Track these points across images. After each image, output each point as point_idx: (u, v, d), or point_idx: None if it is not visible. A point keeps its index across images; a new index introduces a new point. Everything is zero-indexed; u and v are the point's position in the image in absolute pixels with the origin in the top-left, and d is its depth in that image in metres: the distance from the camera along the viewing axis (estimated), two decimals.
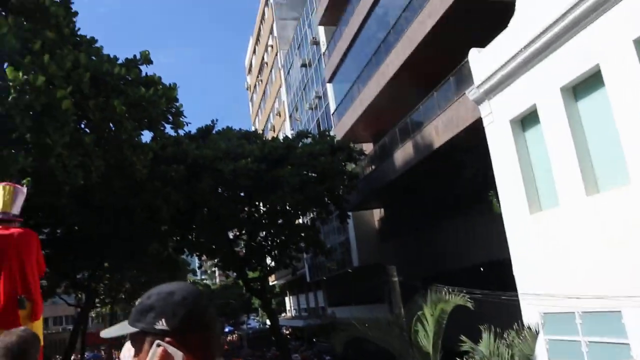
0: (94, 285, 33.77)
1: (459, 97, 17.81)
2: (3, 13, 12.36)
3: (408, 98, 23.89)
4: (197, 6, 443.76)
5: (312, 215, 28.65)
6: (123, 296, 51.83)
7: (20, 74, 10.55)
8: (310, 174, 23.05)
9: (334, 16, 32.88)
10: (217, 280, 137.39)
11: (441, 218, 23.85)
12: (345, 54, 30.14)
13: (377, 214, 33.40)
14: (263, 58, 60.02)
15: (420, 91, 22.04)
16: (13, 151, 10.86)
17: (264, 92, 61.53)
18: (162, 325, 1.53)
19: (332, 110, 34.89)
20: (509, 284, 13.40)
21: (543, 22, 11.46)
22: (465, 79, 17.38)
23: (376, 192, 27.24)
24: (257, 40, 63.21)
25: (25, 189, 5.52)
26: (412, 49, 20.71)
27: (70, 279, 29.10)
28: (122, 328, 1.64)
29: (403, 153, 23.01)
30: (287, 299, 65.55)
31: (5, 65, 11.75)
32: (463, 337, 11.29)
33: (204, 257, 28.87)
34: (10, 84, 10.42)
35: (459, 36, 18.36)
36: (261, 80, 62.27)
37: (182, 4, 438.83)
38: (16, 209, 5.38)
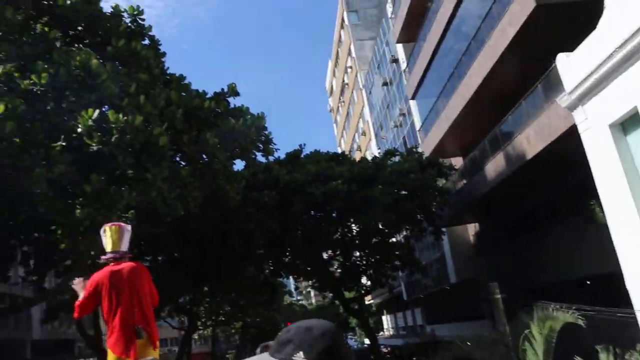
0: (195, 308, 34.92)
1: (550, 104, 17.28)
2: (101, 61, 13.11)
3: (495, 109, 23.45)
4: (275, 34, 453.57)
5: (405, 233, 28.46)
6: (223, 318, 53.32)
7: (121, 115, 11.18)
8: (401, 192, 22.94)
9: (411, 33, 32.80)
10: (313, 300, 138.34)
11: (539, 230, 23.12)
12: (426, 70, 29.95)
13: (472, 228, 32.70)
14: (343, 79, 60.54)
15: (507, 101, 21.59)
16: (121, 188, 11.47)
17: (347, 113, 61.96)
18: (300, 357, 1.64)
19: (417, 127, 34.67)
20: (622, 299, 12.59)
21: (638, 18, 10.93)
22: (554, 85, 16.87)
23: (469, 206, 26.74)
24: (336, 62, 63.88)
25: (129, 227, 5.88)
26: (496, 59, 20.32)
27: (173, 303, 30.17)
28: (262, 358, 1.75)
29: (494, 165, 22.52)
30: (384, 317, 65.00)
31: (105, 108, 12.51)
32: (578, 358, 10.76)
33: (300, 279, 29.12)
34: (113, 125, 11.05)
35: (543, 41, 17.91)
36: (343, 102, 62.77)
37: (259, 33, 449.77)
38: (124, 246, 5.73)
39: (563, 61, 14.22)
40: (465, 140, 28.60)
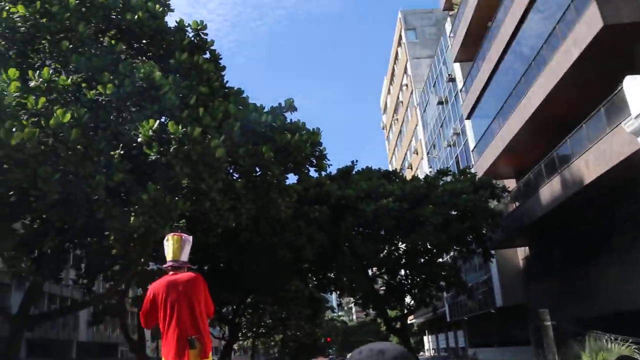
0: (237, 319, 35.11)
1: (613, 128, 16.81)
2: (164, 73, 13.40)
3: (553, 131, 22.98)
4: (332, 51, 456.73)
5: (452, 254, 28.07)
6: (263, 330, 53.52)
7: (180, 127, 11.37)
8: (452, 213, 22.66)
9: (469, 52, 32.57)
10: (354, 317, 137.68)
11: (594, 257, 22.48)
12: (483, 90, 29.62)
13: (521, 252, 32.05)
14: (398, 97, 60.45)
15: (566, 124, 21.14)
16: (176, 197, 11.67)
17: (400, 131, 61.76)
18: None
19: (471, 147, 34.28)
20: None
21: None
22: (618, 108, 16.43)
23: (521, 230, 26.22)
24: (392, 80, 63.87)
25: (191, 238, 5.96)
26: (557, 80, 19.94)
27: (216, 312, 30.39)
28: None
29: (550, 189, 22.04)
30: (425, 337, 64.20)
31: (165, 119, 12.77)
32: None
33: (344, 294, 28.94)
34: (172, 136, 11.25)
35: (608, 63, 17.49)
36: (397, 119, 62.62)
37: (316, 49, 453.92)
38: (184, 256, 5.81)
39: (630, 84, 13.83)
40: (520, 163, 28.12)
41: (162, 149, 11.27)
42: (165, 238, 5.85)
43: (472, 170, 27.64)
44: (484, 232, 23.91)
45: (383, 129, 74.40)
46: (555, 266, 26.90)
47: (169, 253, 5.75)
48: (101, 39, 15.23)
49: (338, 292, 29.72)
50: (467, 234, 23.27)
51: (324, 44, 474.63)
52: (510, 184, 29.19)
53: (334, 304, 66.21)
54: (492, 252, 25.63)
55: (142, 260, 17.90)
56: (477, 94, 30.31)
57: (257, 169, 15.22)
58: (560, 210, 21.77)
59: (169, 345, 5.39)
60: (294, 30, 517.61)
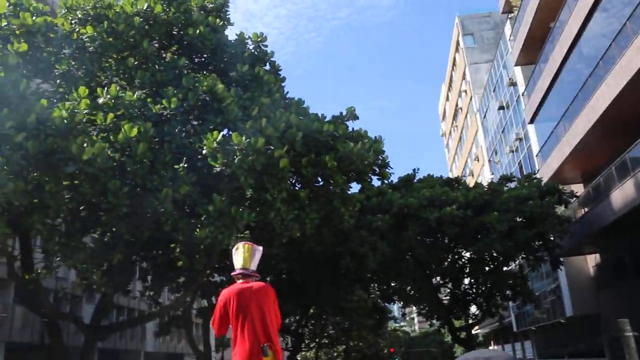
0: (300, 329, 35.14)
1: None
2: (225, 86, 13.57)
3: (623, 132, 22.16)
4: (386, 59, 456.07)
5: (519, 262, 27.36)
6: (326, 341, 53.37)
7: (243, 138, 11.46)
8: (518, 219, 22.04)
9: (530, 55, 31.87)
10: (417, 327, 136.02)
11: None
12: (546, 92, 28.85)
13: (591, 259, 30.92)
14: (457, 104, 59.63)
15: (637, 124, 20.34)
16: (240, 209, 11.76)
17: (459, 138, 60.87)
18: None
19: (535, 152, 33.43)
20: None
21: None
22: None
23: (590, 236, 25.28)
24: (450, 86, 63.11)
25: (261, 248, 5.96)
26: (628, 79, 19.18)
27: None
28: None
29: (622, 193, 21.19)
30: (491, 348, 62.73)
31: (227, 131, 12.92)
32: None
33: (409, 305, 28.54)
34: (236, 147, 11.35)
35: None
36: (456, 126, 61.77)
37: (372, 59, 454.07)
38: (254, 265, 5.80)
39: None
40: (587, 167, 27.23)
41: (226, 160, 11.37)
42: (235, 247, 5.88)
43: (537, 176, 26.82)
44: (551, 238, 23.14)
45: (442, 136, 73.51)
46: (629, 273, 25.86)
47: (239, 261, 5.76)
48: (164, 55, 15.57)
49: (402, 302, 29.35)
50: (534, 241, 22.57)
51: (379, 53, 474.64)
52: (577, 189, 28.24)
53: (396, 314, 65.65)
54: (561, 259, 24.76)
55: (207, 272, 18.16)
56: (540, 97, 29.54)
57: (320, 179, 15.22)
58: (634, 215, 20.90)
59: (242, 352, 5.39)
60: (349, 40, 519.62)
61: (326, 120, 14.85)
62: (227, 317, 5.56)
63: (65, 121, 10.56)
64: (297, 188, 14.19)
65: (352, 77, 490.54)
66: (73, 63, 14.17)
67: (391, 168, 15.63)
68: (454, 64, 59.06)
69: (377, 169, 15.78)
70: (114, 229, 12.40)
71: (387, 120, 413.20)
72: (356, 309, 37.39)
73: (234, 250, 5.85)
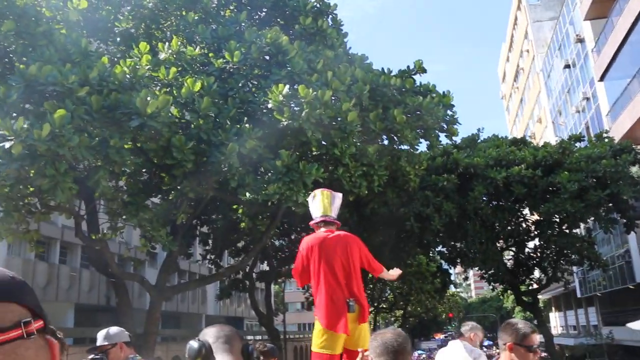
0: None
1: None
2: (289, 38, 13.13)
3: None
4: (444, 19, 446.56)
5: (587, 226, 26.26)
6: (384, 306, 53.22)
7: (310, 90, 11.01)
8: (589, 180, 20.96)
9: (601, 8, 30.18)
10: (473, 293, 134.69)
11: None
12: (619, 48, 27.30)
13: None
14: (518, 64, 57.59)
15: None
16: (308, 164, 11.37)
17: (521, 100, 58.90)
18: None
19: (603, 112, 31.91)
20: None
21: None
22: None
23: None
24: (511, 46, 60.97)
25: (340, 194, 5.49)
26: None
27: None
28: None
29: None
30: (551, 314, 61.44)
31: (294, 85, 12.47)
32: None
33: (474, 268, 27.67)
34: (302, 100, 10.90)
35: None
36: (517, 88, 59.76)
37: (426, 23, 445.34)
38: (335, 212, 5.33)
39: None
40: None
41: (293, 114, 10.96)
42: (312, 195, 5.42)
43: (609, 135, 25.48)
44: (626, 199, 21.95)
45: (502, 98, 71.28)
46: None
47: (318, 208, 5.29)
48: (222, 13, 15.21)
49: (464, 266, 28.60)
50: (607, 203, 21.45)
51: (435, 16, 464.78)
52: None
53: (453, 278, 64.80)
54: (637, 222, 23.52)
55: (270, 234, 17.98)
56: (612, 52, 28.00)
57: (385, 137, 14.70)
58: None
59: (326, 307, 4.95)
60: (404, 4, 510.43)
61: (392, 74, 14.27)
62: (309, 267, 5.09)
63: (127, 76, 10.34)
64: (365, 144, 13.63)
65: (408, 42, 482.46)
66: (132, 21, 13.96)
67: (459, 124, 14.93)
68: (515, 22, 56.86)
69: (444, 126, 15.12)
70: (178, 187, 12.21)
71: (445, 84, 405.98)
72: (416, 273, 36.93)
73: (310, 198, 5.36)
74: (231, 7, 15.54)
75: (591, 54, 33.02)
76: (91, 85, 9.83)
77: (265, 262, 27.49)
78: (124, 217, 12.64)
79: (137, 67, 10.84)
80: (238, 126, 11.16)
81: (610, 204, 22.02)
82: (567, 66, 39.56)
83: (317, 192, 5.36)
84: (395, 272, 5.75)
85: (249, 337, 44.73)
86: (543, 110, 48.50)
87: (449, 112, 14.71)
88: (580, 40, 35.95)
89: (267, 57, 12.47)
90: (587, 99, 35.93)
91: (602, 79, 30.47)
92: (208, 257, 24.62)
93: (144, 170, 13.51)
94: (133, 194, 12.69)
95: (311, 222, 5.35)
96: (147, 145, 10.54)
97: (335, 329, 4.89)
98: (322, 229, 5.21)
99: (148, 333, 14.12)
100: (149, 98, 9.55)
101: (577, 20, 36.14)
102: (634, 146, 23.50)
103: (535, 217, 24.92)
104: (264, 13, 15.39)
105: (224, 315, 45.78)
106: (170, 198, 13.66)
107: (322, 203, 5.30)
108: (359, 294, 5.11)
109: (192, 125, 10.66)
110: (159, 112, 9.52)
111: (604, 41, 29.41)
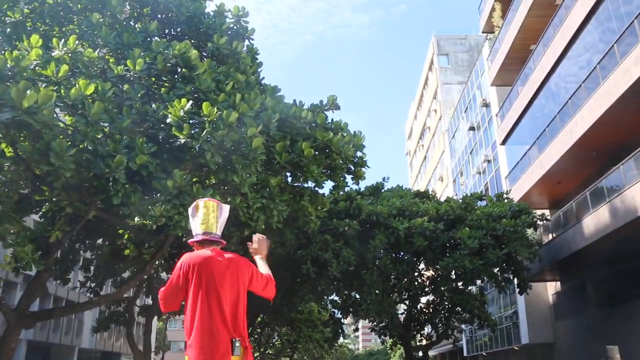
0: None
1: None
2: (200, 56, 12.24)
3: (601, 158, 21.60)
4: (355, 77, 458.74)
5: (480, 284, 26.48)
6: (271, 352, 51.64)
7: (215, 109, 10.13)
8: (489, 238, 21.07)
9: (507, 76, 31.41)
10: (360, 345, 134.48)
11: (636, 297, 20.92)
12: (522, 114, 28.29)
13: (551, 287, 30.37)
14: (425, 123, 59.21)
15: (619, 149, 19.75)
16: (204, 189, 10.36)
17: (425, 157, 60.35)
18: None
19: (503, 175, 32.85)
20: None
21: None
22: None
23: (556, 262, 24.60)
24: (419, 105, 62.72)
25: (227, 207, 4.53)
26: (612, 102, 18.59)
27: None
28: None
29: (595, 219, 20.50)
30: None
31: (199, 103, 11.54)
32: None
33: (368, 319, 27.01)
34: (205, 119, 9.99)
35: None
36: (422, 145, 61.26)
37: (341, 75, 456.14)
38: (220, 229, 4.38)
39: None
40: (556, 192, 26.74)
41: (193, 132, 9.98)
42: (193, 205, 4.41)
43: (508, 196, 26.03)
44: (521, 260, 22.23)
45: (406, 155, 72.97)
46: (589, 304, 25.29)
47: (201, 223, 4.24)
48: (132, 23, 14.19)
49: (357, 316, 27.92)
50: (504, 262, 21.61)
51: (350, 70, 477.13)
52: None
53: (345, 329, 64.20)
54: (531, 284, 23.85)
55: (156, 263, 16.62)
56: (515, 118, 28.98)
57: (290, 173, 13.95)
58: (605, 243, 20.24)
59: (203, 345, 3.93)
60: (322, 55, 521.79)
61: (304, 107, 13.61)
62: (184, 292, 4.02)
63: (8, 66, 9.08)
64: (268, 175, 12.70)
65: (322, 91, 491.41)
66: (29, 13, 12.66)
67: (369, 167, 14.40)
68: (426, 82, 58.66)
69: (352, 168, 14.54)
70: (54, 199, 10.84)
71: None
72: (306, 320, 35.97)
73: (191, 210, 4.35)
74: (144, 11, 14.50)
75: (495, 118, 34.10)
76: None
77: (151, 295, 25.74)
78: None
79: (22, 58, 9.57)
80: (131, 138, 10.05)
81: (504, 265, 22.25)
82: (472, 128, 40.79)
83: (200, 202, 4.35)
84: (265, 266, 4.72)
85: None
86: (445, 169, 49.70)
87: (358, 153, 14.16)
88: (486, 105, 37.20)
89: (173, 70, 11.48)
90: (489, 161, 37.00)
91: (504, 142, 31.43)
92: (88, 284, 22.70)
93: (22, 182, 12.05)
94: (6, 207, 11.17)
95: (191, 240, 4.31)
96: (21, 145, 9.20)
97: None
98: (205, 249, 4.25)
99: None
100: (29, 91, 8.32)
101: (484, 86, 37.46)
102: (530, 210, 24.03)
103: (430, 272, 24.87)
104: (178, 31, 14.44)
105: (99, 350, 42.86)
106: (44, 211, 12.19)
107: (207, 217, 4.33)
108: (245, 333, 4.16)
109: (78, 130, 9.42)
110: (39, 109, 8.30)
111: (508, 107, 30.43)
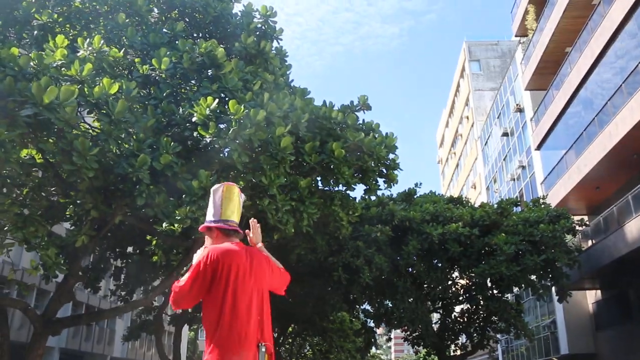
0: (276, 348, 33.06)
1: None
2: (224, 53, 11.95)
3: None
4: (384, 87, 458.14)
5: (516, 293, 25.65)
6: None
7: (242, 107, 9.79)
8: (526, 243, 20.32)
9: (542, 80, 30.71)
10: (392, 356, 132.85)
11: None
12: (557, 118, 27.54)
13: (591, 295, 29.36)
14: (457, 130, 58.40)
15: None
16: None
17: (457, 165, 59.47)
18: None
19: (538, 180, 32.00)
20: None
21: None
22: None
23: (596, 270, 23.71)
24: (451, 112, 61.94)
25: (243, 196, 4.12)
26: None
27: None
28: None
29: (638, 224, 19.67)
30: None
31: (225, 102, 11.23)
32: None
33: (404, 328, 26.29)
34: (232, 117, 9.65)
35: None
36: (454, 153, 60.41)
37: (370, 85, 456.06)
38: (238, 219, 3.97)
39: None
40: (594, 197, 25.88)
41: (219, 131, 9.64)
42: (217, 188, 3.89)
43: (545, 202, 25.16)
44: (560, 267, 21.37)
45: (438, 163, 72.07)
46: (633, 313, 24.32)
47: (222, 209, 3.83)
48: (158, 21, 14.02)
49: (389, 326, 27.23)
50: (542, 269, 20.80)
51: (380, 80, 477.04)
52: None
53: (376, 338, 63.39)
54: (570, 291, 22.92)
55: (185, 267, 16.34)
56: (550, 123, 28.24)
57: (319, 177, 13.52)
58: None
59: (228, 348, 3.51)
60: (351, 66, 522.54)
61: (334, 108, 13.20)
62: (206, 288, 3.59)
63: (32, 64, 8.88)
64: (297, 176, 12.27)
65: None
66: (56, 15, 12.55)
67: (401, 170, 13.88)
68: (457, 89, 57.91)
69: (384, 170, 14.05)
70: (78, 201, 10.60)
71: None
72: (337, 330, 35.40)
73: (217, 192, 3.90)
74: (173, 16, 14.33)
75: (530, 123, 33.32)
76: None
77: None
78: (5, 228, 10.80)
79: (45, 57, 9.37)
80: (155, 138, 9.77)
81: (542, 271, 21.44)
82: (506, 134, 39.98)
83: (225, 186, 3.91)
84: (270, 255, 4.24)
85: None
86: (478, 177, 48.83)
87: (390, 155, 13.67)
88: (520, 110, 36.41)
89: (200, 69, 11.19)
90: (523, 167, 36.17)
91: (539, 147, 30.67)
92: (118, 292, 22.57)
93: (50, 188, 11.89)
94: (32, 210, 10.97)
95: (216, 225, 3.83)
96: (43, 143, 8.97)
97: None
98: (231, 242, 3.83)
99: None
100: (49, 87, 8.07)
101: (518, 91, 36.70)
102: (568, 215, 23.20)
103: (464, 281, 24.17)
104: (205, 32, 14.19)
105: (131, 359, 42.87)
106: (69, 214, 11.98)
107: (230, 201, 3.88)
108: (272, 338, 3.74)
109: (101, 129, 9.17)
110: (60, 105, 8.05)
111: (542, 111, 29.68)
